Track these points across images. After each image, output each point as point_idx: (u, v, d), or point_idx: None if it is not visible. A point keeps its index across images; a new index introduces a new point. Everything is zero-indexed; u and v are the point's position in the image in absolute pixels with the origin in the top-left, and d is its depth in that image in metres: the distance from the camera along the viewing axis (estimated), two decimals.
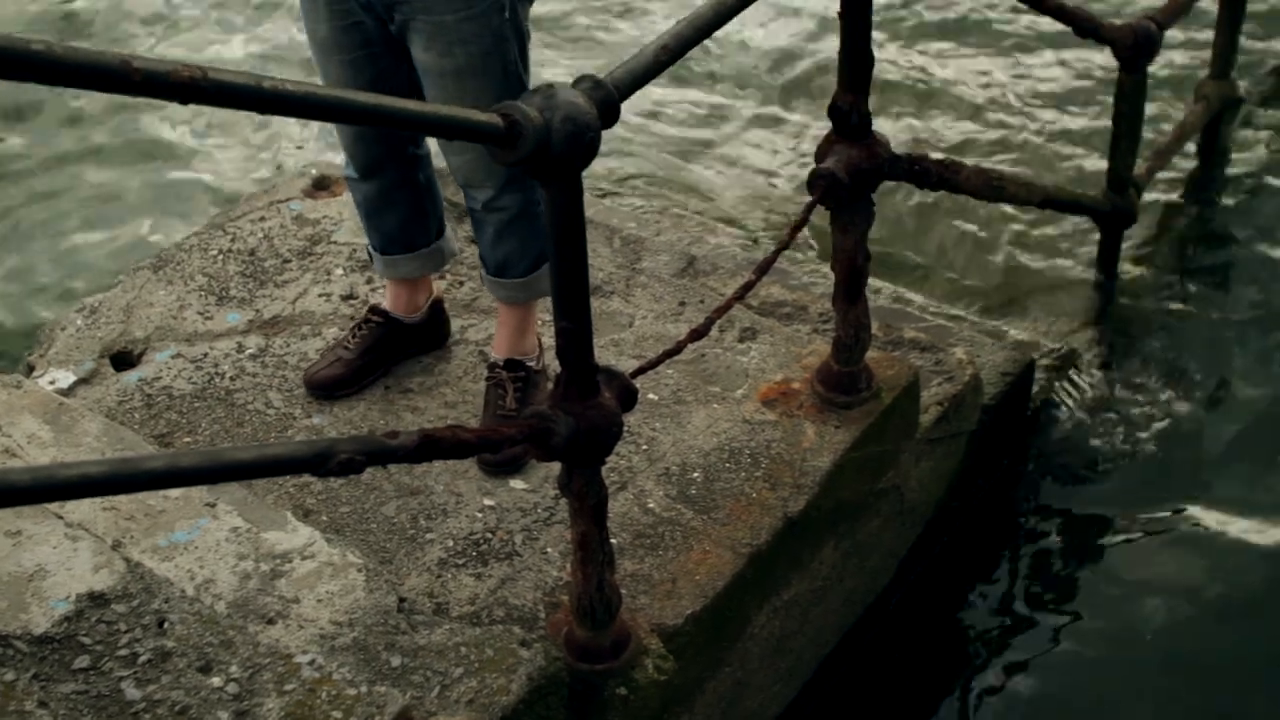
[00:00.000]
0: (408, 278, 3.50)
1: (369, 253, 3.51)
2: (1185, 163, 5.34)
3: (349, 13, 3.05)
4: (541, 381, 3.40)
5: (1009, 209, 4.99)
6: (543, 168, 2.15)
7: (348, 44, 3.10)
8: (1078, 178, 5.31)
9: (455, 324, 3.66)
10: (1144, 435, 4.17)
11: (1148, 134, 4.62)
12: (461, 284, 3.75)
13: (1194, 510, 3.96)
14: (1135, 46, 4.20)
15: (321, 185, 4.24)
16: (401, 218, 3.41)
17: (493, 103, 2.97)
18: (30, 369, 3.64)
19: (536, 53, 6.35)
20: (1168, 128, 5.24)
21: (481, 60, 2.99)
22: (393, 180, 3.35)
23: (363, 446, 2.09)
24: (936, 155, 3.39)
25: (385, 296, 3.56)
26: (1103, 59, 5.74)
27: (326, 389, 3.46)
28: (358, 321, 3.55)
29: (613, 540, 2.68)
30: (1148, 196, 4.81)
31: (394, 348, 3.54)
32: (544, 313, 3.49)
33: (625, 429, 2.55)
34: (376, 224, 3.43)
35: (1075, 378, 4.31)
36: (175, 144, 5.90)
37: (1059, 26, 4.11)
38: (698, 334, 2.88)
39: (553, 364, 3.00)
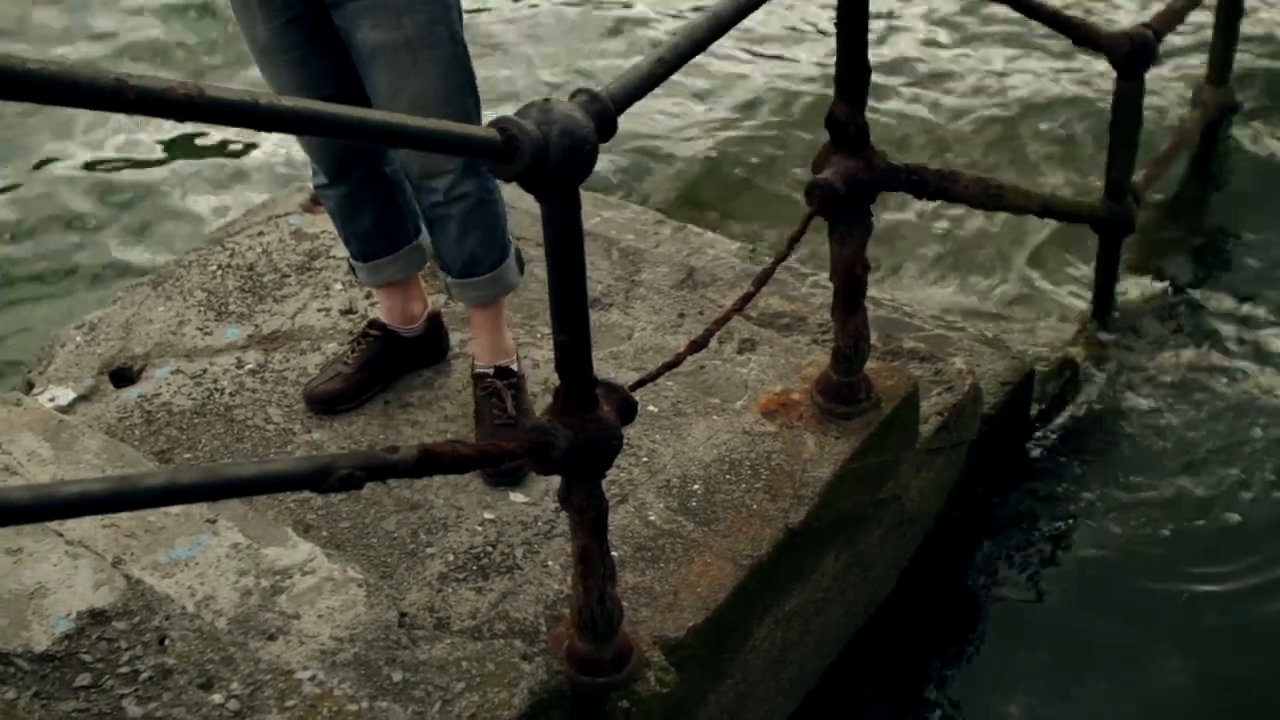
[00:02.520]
0: (394, 280, 3.48)
1: (351, 265, 3.50)
2: (1183, 170, 5.34)
3: (286, 8, 3.03)
4: (524, 384, 3.41)
5: (1007, 218, 4.99)
6: (540, 182, 2.15)
7: (287, 43, 3.08)
8: (1076, 186, 5.32)
9: (454, 338, 3.65)
10: (1145, 444, 4.17)
11: (1145, 141, 4.62)
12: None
13: (1197, 518, 3.96)
14: (1132, 54, 4.20)
15: (319, 200, 4.24)
16: (375, 215, 3.39)
17: (444, 74, 3.02)
18: (30, 386, 3.63)
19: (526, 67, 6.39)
20: (1166, 135, 5.25)
21: (430, 29, 2.96)
22: (361, 177, 3.32)
23: (363, 462, 2.09)
24: (934, 165, 3.39)
25: (380, 307, 3.55)
26: (1100, 67, 5.75)
27: (326, 404, 3.46)
28: (356, 335, 3.55)
29: (614, 553, 2.68)
30: (1146, 204, 4.81)
31: (393, 361, 3.53)
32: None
33: (625, 441, 2.56)
34: (354, 228, 3.40)
35: (1075, 387, 4.31)
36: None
37: (1056, 34, 4.12)
38: (697, 346, 2.88)
39: (552, 376, 3.00)
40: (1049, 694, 3.58)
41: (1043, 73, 6.12)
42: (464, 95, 3.06)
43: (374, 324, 3.53)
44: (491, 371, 3.36)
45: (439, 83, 3.02)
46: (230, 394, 3.53)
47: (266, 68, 3.15)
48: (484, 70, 5.75)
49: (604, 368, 3.43)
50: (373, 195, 3.36)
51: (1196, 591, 3.79)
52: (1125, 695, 3.57)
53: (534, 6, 7.00)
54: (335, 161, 3.28)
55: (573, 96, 2.20)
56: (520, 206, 3.96)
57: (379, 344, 3.50)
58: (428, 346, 3.58)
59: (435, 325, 3.58)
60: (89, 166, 5.91)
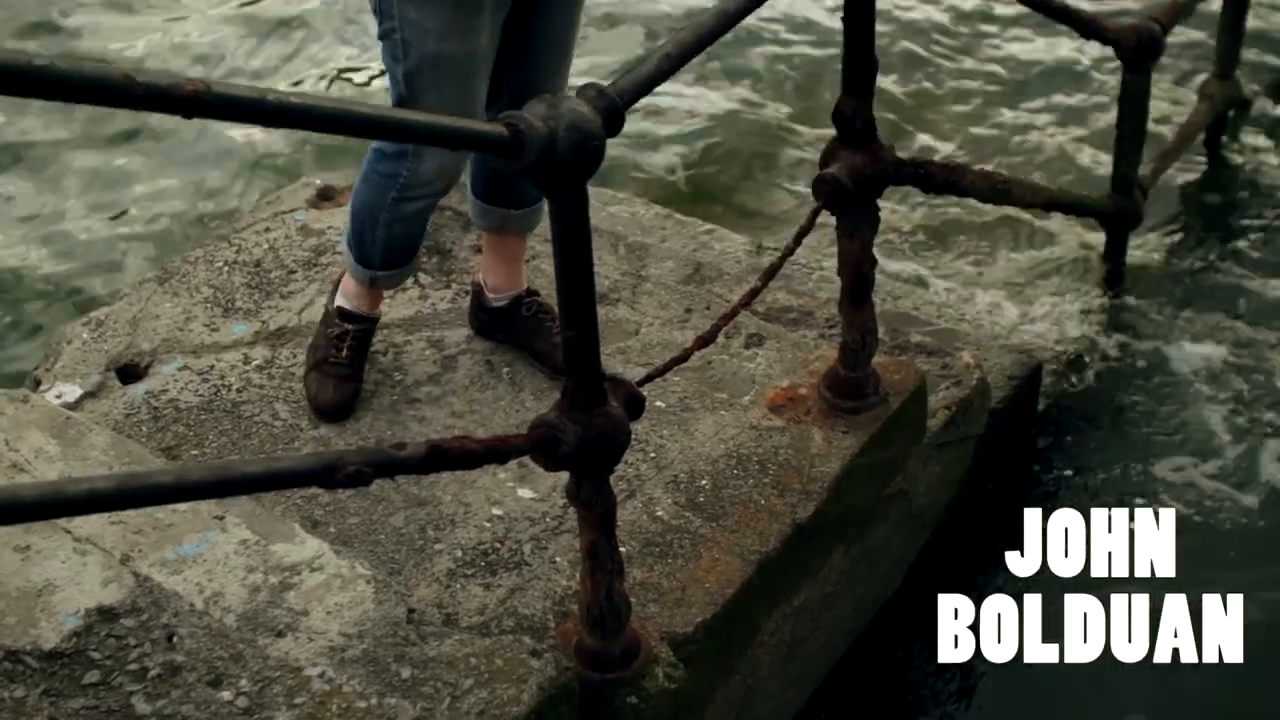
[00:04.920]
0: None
1: (374, 278, 3.43)
2: (1190, 163, 5.33)
3: (507, 3, 3.06)
4: None
5: (1014, 212, 4.98)
6: (548, 177, 2.14)
7: (493, 44, 3.09)
8: (1082, 180, 5.31)
9: (460, 334, 3.65)
10: (1151, 437, 4.16)
11: (1152, 135, 4.61)
12: (466, 294, 3.74)
13: (1208, 510, 3.95)
14: (1139, 47, 4.20)
15: (326, 195, 4.23)
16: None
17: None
18: (37, 383, 3.63)
19: None
20: (1172, 128, 5.24)
21: None
22: None
23: (370, 458, 2.09)
24: (941, 159, 3.38)
25: (357, 301, 3.51)
26: (1106, 60, 5.74)
27: (345, 410, 3.43)
28: (341, 334, 3.49)
29: (622, 549, 2.68)
30: (1153, 197, 4.80)
31: (369, 347, 3.57)
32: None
33: (633, 437, 2.55)
34: (421, 238, 3.42)
35: (1082, 380, 4.30)
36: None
37: (1062, 27, 4.11)
38: (704, 341, 2.88)
39: None
40: (1062, 684, 3.58)
41: (1049, 66, 6.11)
42: None
43: (355, 318, 3.50)
44: (526, 292, 3.55)
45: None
46: (237, 390, 3.53)
47: (475, 77, 3.09)
48: None
49: (611, 363, 3.42)
50: None
51: (1205, 585, 3.78)
52: (1136, 687, 3.56)
53: None
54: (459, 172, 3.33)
55: (580, 91, 2.20)
56: None
57: (366, 335, 3.52)
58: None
59: None
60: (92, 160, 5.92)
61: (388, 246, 3.35)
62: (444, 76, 3.05)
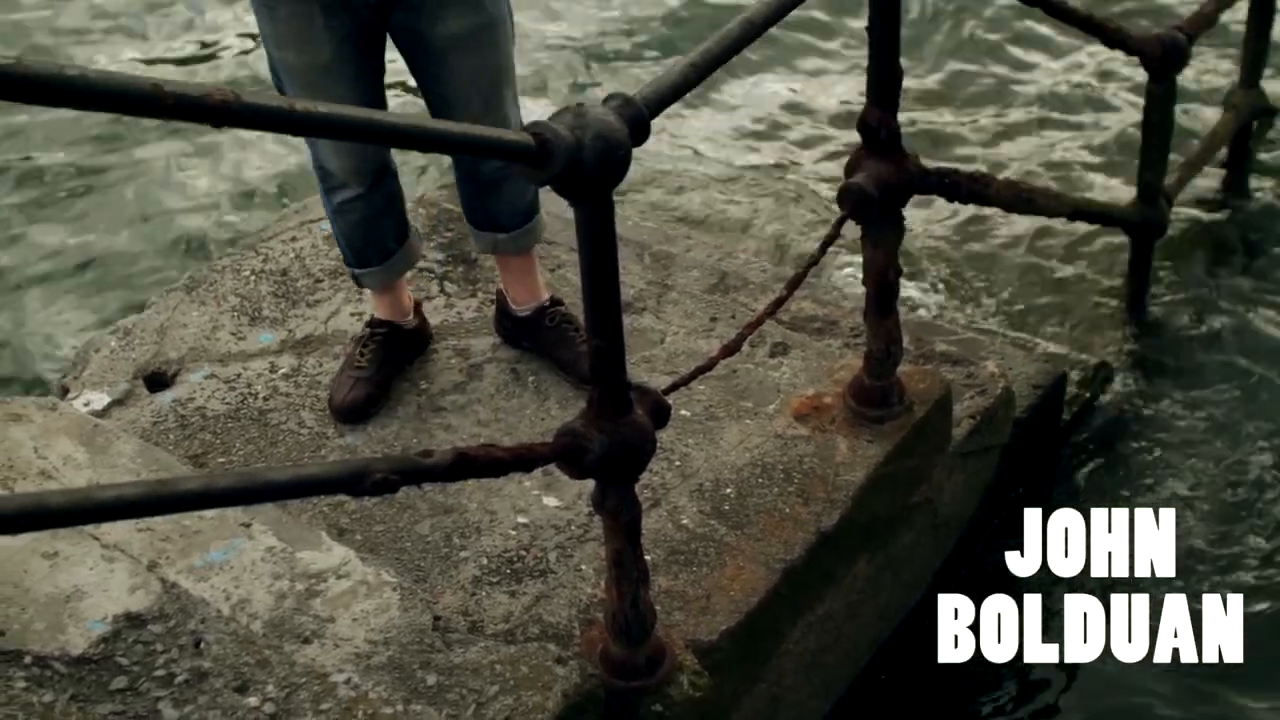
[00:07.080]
0: (402, 273, 3.60)
1: (355, 276, 3.54)
2: (1216, 172, 5.31)
3: (344, 24, 3.06)
4: None
5: (1039, 221, 4.97)
6: (574, 186, 2.15)
7: (345, 58, 3.11)
8: (1107, 189, 5.29)
9: (486, 342, 3.67)
10: (1176, 448, 4.14)
11: (1177, 144, 4.59)
12: (492, 303, 3.75)
13: (1231, 523, 3.93)
14: (1164, 57, 4.18)
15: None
16: (395, 217, 3.49)
17: (509, 44, 3.19)
18: (65, 391, 3.66)
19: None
20: (1198, 138, 5.22)
21: (504, 4, 3.15)
22: (389, 183, 3.43)
23: (397, 466, 2.10)
24: (966, 169, 3.38)
25: (375, 306, 3.60)
26: (1131, 70, 5.73)
27: (359, 411, 3.46)
28: (362, 338, 3.57)
29: (647, 557, 2.68)
30: (1178, 207, 4.79)
31: (400, 355, 3.60)
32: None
33: (658, 445, 2.55)
34: (377, 233, 3.46)
35: (1107, 390, 4.29)
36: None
37: (1087, 37, 4.10)
38: (730, 350, 2.88)
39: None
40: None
41: (1073, 76, 6.10)
42: (512, 58, 3.26)
43: (377, 323, 3.57)
44: (549, 303, 3.56)
45: (509, 53, 3.21)
46: (264, 398, 3.55)
47: (324, 88, 3.12)
48: None
49: (637, 372, 3.43)
50: (396, 196, 3.47)
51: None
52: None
53: None
54: (373, 171, 3.34)
55: (606, 101, 2.21)
56: (553, 211, 3.96)
57: (389, 340, 3.55)
58: (420, 335, 3.67)
59: (421, 315, 3.69)
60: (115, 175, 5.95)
61: (343, 240, 3.49)
62: (290, 80, 3.16)
